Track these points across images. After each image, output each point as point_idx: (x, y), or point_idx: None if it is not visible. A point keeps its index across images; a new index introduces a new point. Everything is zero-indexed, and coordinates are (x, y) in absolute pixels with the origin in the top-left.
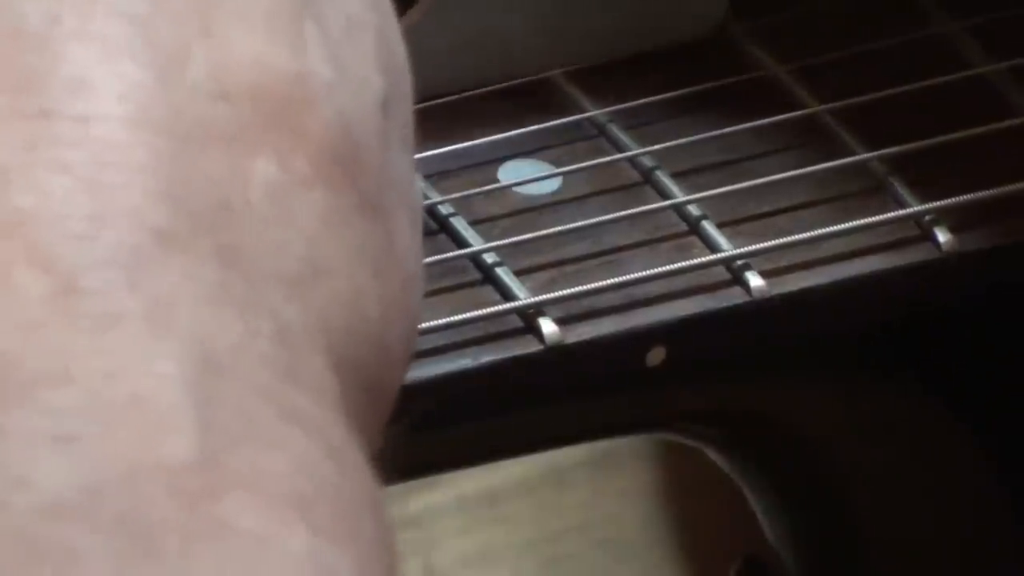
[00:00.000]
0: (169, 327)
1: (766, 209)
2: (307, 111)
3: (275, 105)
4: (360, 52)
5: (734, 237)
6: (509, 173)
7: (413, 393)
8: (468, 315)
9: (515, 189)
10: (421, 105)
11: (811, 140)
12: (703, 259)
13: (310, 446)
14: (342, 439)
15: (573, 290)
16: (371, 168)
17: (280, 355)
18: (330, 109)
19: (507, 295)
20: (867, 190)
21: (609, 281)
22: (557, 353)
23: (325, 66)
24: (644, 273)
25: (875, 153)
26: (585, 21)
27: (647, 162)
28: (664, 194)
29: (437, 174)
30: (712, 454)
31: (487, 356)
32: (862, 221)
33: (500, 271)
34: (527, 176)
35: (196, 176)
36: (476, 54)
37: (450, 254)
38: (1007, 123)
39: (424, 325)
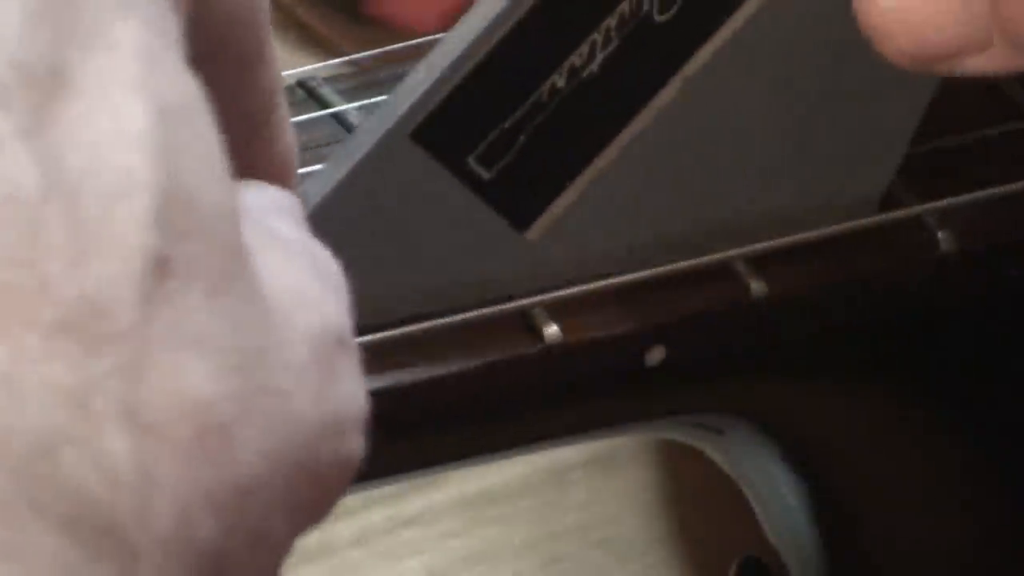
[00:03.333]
0: None
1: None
2: (38, 295)
3: (2, 294)
4: (124, 218)
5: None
6: None
7: (412, 393)
8: (469, 315)
9: None
10: None
11: None
12: (703, 259)
13: None
14: None
15: (573, 290)
16: (128, 332)
17: None
18: (68, 287)
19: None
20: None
21: (608, 282)
22: (557, 353)
23: (64, 245)
24: (643, 274)
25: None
26: (741, 206)
27: None
28: None
29: None
30: (712, 454)
31: (487, 356)
32: (862, 221)
33: None
34: None
35: None
36: (624, 238)
37: None
38: (1010, 125)
39: (425, 326)
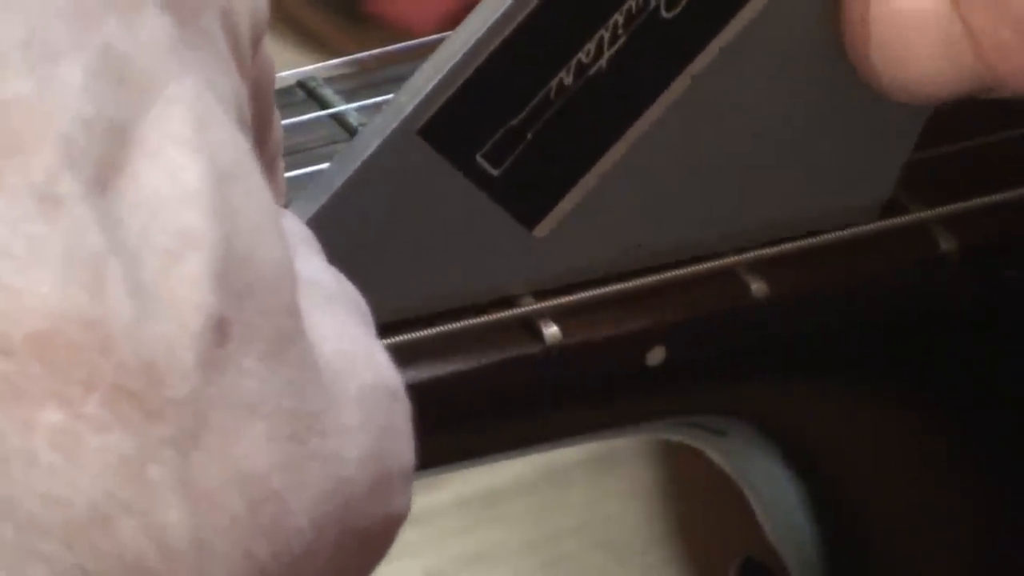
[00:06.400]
0: None
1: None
2: (101, 355)
3: (65, 352)
4: (184, 277)
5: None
6: None
7: (413, 393)
8: (471, 322)
9: None
10: None
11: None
12: (706, 265)
13: None
14: None
15: (575, 297)
16: (186, 398)
17: None
18: (129, 349)
19: (511, 301)
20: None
21: (610, 288)
22: (557, 353)
23: (126, 304)
24: (644, 281)
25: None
26: (745, 206)
27: None
28: None
29: None
30: (712, 454)
31: (487, 356)
32: (867, 227)
33: None
34: None
35: None
36: (631, 236)
37: None
38: (1010, 131)
39: (425, 333)
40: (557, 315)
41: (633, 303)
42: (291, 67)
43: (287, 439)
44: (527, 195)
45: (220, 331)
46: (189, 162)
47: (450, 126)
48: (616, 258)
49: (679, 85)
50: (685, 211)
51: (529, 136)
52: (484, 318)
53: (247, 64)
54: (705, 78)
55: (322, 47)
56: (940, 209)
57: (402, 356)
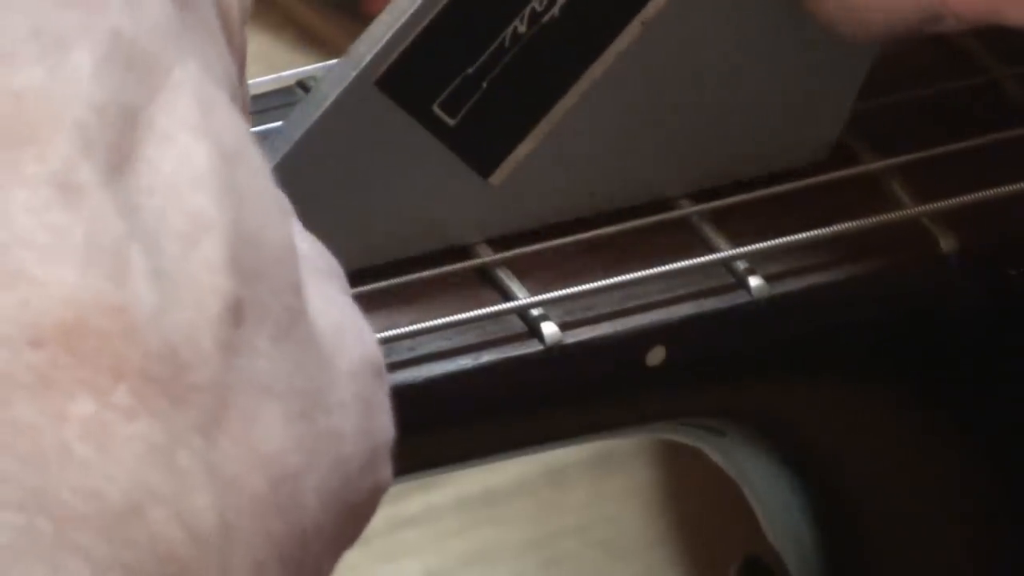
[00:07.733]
0: None
1: (767, 208)
2: (127, 343)
3: (92, 341)
4: (201, 261)
5: (734, 238)
6: None
7: (413, 393)
8: (469, 314)
9: None
10: None
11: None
12: (703, 259)
13: None
14: None
15: (573, 290)
16: (209, 383)
17: None
18: (154, 336)
19: (508, 296)
20: (866, 192)
21: (609, 281)
22: (557, 353)
23: (149, 291)
24: (643, 273)
25: (881, 164)
26: (698, 149)
27: None
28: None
29: None
30: (712, 454)
31: (487, 356)
32: (862, 222)
33: (500, 272)
34: None
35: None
36: (585, 183)
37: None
38: (1010, 132)
39: (425, 325)
40: (557, 315)
41: (633, 303)
42: (291, 67)
43: (299, 418)
44: (483, 144)
45: (236, 313)
46: (197, 145)
47: (407, 77)
48: (572, 204)
49: (630, 32)
50: (638, 156)
51: (484, 85)
52: (485, 316)
53: (236, 44)
54: (655, 24)
55: (322, 46)
56: (940, 204)
57: (401, 356)
